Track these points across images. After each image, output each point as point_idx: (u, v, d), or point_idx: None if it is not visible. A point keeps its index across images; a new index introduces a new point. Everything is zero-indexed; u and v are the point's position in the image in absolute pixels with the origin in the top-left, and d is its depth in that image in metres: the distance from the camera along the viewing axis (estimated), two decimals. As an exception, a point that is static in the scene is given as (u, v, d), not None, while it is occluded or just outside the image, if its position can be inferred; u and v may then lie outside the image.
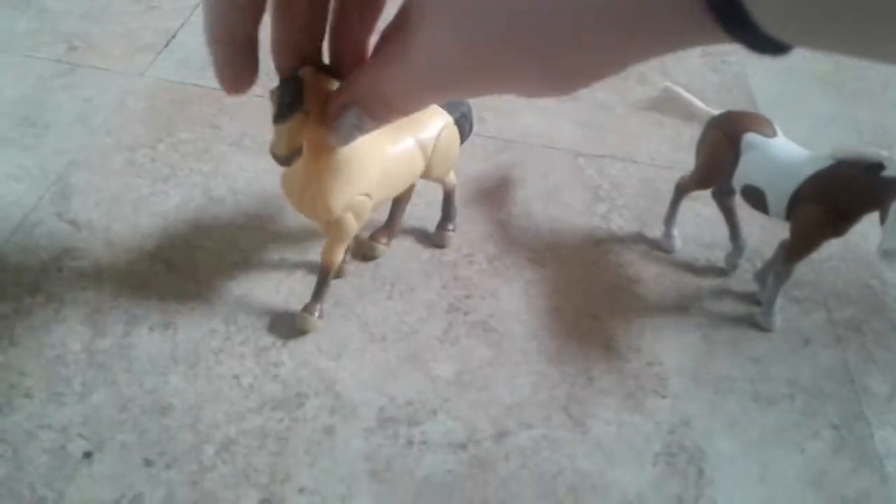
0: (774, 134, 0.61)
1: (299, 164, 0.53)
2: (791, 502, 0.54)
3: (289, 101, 0.49)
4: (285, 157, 0.50)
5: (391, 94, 0.28)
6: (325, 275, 0.60)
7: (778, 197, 0.58)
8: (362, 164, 0.56)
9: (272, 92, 0.51)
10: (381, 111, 0.29)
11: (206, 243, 0.66)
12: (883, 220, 0.58)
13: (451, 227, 0.70)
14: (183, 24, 0.92)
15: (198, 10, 0.93)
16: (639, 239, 0.73)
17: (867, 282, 0.71)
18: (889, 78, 1.02)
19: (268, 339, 0.60)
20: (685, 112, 0.69)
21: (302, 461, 0.53)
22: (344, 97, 0.31)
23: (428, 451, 0.54)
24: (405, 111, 0.29)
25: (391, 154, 0.58)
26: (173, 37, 0.91)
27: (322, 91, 0.51)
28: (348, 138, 0.33)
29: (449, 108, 0.64)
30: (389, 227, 0.68)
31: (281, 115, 0.49)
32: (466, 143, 0.67)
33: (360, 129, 0.31)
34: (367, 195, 0.57)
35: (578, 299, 0.66)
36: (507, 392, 0.59)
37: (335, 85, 0.52)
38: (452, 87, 0.26)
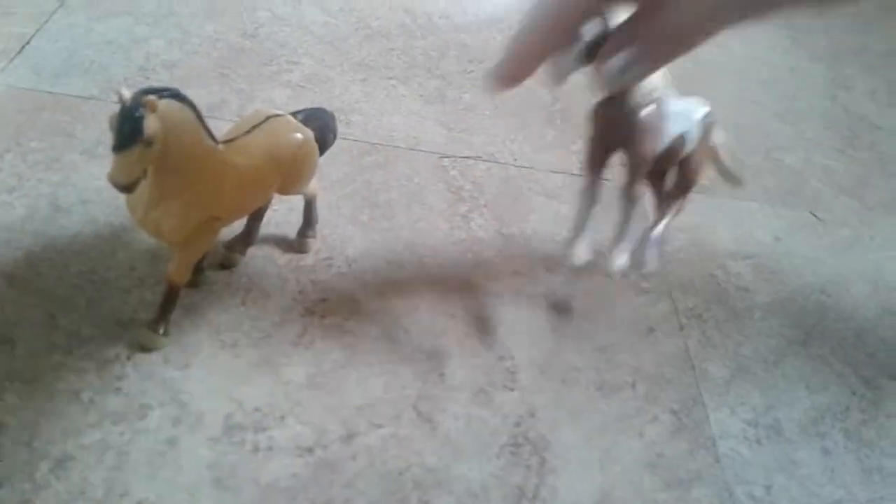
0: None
1: (144, 184, 0.52)
2: (629, 484, 0.56)
3: (128, 131, 0.48)
4: (125, 186, 0.49)
5: (682, 27, 0.29)
6: (171, 293, 0.59)
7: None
8: (211, 187, 0.55)
9: (111, 119, 0.49)
10: (666, 49, 0.30)
11: (51, 255, 0.64)
12: None
13: (311, 233, 0.70)
14: (38, 30, 0.89)
15: (55, 16, 0.91)
16: (497, 237, 0.74)
17: (711, 272, 0.75)
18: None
19: (112, 352, 0.58)
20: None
21: (142, 474, 0.52)
22: (621, 39, 0.32)
23: (274, 457, 0.54)
24: (693, 43, 0.30)
25: (243, 174, 0.57)
26: (28, 43, 0.88)
27: (169, 119, 0.51)
28: (613, 83, 0.33)
29: (310, 120, 0.64)
30: (245, 239, 0.67)
31: (121, 145, 0.48)
32: (332, 147, 0.67)
33: (629, 74, 0.32)
34: (217, 217, 0.57)
35: (434, 299, 0.67)
36: (358, 393, 0.59)
37: (185, 112, 0.51)
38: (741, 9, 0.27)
